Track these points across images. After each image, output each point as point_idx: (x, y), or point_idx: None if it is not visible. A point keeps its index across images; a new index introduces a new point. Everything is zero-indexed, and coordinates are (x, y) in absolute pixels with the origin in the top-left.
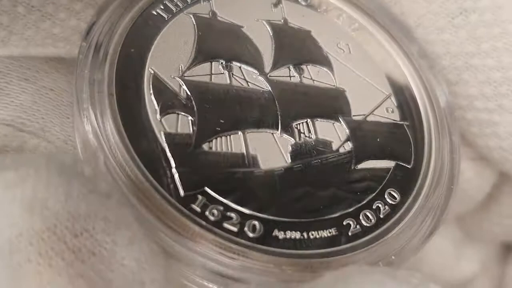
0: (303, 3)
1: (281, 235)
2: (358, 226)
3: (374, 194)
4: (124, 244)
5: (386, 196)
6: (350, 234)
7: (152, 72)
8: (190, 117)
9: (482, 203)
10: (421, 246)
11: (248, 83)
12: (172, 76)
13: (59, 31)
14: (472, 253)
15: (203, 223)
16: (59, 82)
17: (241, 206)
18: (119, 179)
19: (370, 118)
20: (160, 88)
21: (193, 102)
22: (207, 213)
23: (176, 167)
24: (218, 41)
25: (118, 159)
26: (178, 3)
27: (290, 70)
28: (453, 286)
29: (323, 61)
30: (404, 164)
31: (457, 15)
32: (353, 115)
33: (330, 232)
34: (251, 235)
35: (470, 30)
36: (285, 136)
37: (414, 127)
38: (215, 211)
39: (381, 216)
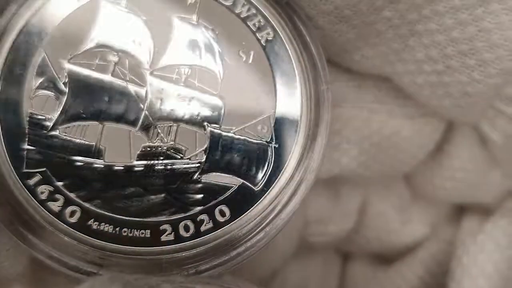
0: (225, 2)
1: (95, 225)
2: (172, 234)
3: (202, 207)
4: None
5: (215, 212)
6: (162, 239)
7: (44, 53)
8: (58, 101)
9: (433, 159)
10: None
11: (128, 77)
12: (58, 60)
13: None
14: (420, 216)
15: (31, 199)
16: None
17: (69, 191)
18: None
19: (239, 134)
20: (44, 70)
21: (67, 87)
22: (38, 190)
23: (27, 145)
24: (115, 32)
25: None
26: None
27: (177, 70)
28: (401, 250)
29: (215, 65)
30: (250, 185)
31: None
32: (223, 127)
33: (142, 233)
34: (68, 219)
35: (409, 1)
36: (140, 135)
37: (281, 152)
38: (45, 191)
39: (201, 229)
